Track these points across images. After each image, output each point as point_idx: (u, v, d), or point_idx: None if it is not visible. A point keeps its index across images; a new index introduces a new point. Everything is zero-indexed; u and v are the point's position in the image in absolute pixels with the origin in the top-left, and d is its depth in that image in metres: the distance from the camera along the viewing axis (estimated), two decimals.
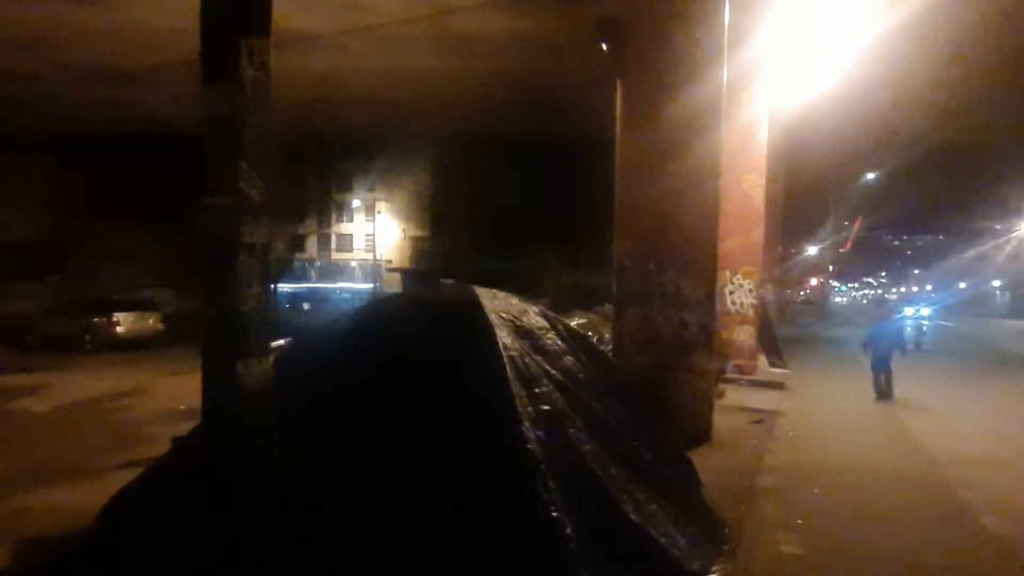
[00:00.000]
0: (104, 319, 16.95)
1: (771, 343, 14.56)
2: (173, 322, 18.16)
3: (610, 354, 7.59)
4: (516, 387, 3.36)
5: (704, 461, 6.03)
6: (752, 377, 11.86)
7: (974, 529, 4.83)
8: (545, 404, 3.51)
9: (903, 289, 71.45)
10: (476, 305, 3.76)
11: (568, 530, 2.87)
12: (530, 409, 3.35)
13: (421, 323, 3.85)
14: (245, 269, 2.27)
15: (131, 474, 4.14)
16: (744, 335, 12.25)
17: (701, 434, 6.88)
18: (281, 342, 5.22)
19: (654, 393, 6.43)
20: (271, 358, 2.49)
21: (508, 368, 3.42)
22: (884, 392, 10.50)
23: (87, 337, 16.54)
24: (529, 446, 3.05)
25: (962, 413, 9.83)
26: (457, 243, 41.38)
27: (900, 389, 11.89)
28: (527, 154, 32.76)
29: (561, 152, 30.15)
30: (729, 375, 11.13)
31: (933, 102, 16.64)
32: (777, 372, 13.00)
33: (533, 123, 21.86)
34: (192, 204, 2.38)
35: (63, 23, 12.82)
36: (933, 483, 5.99)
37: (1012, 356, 21.09)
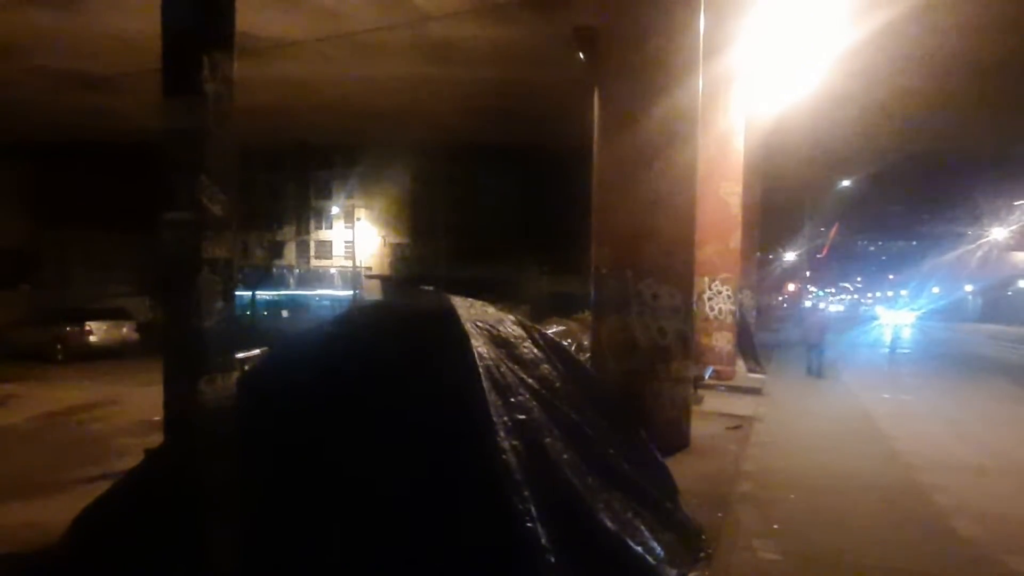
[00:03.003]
0: (76, 328, 16.64)
1: (749, 349, 14.69)
2: (147, 331, 17.87)
3: (589, 362, 7.61)
4: (492, 396, 3.34)
5: (682, 468, 6.05)
6: (730, 383, 11.95)
7: (947, 534, 4.89)
8: (521, 413, 3.50)
9: (878, 294, 72.56)
10: (451, 314, 3.74)
11: (543, 540, 2.85)
12: (506, 418, 3.33)
13: (396, 332, 3.82)
14: (207, 284, 2.24)
15: (103, 487, 4.05)
16: (722, 341, 12.34)
17: (679, 441, 6.90)
18: (257, 351, 5.15)
19: (632, 400, 6.45)
20: (234, 374, 2.45)
21: (484, 377, 3.40)
22: (815, 372, 13.66)
23: (59, 347, 16.20)
24: (504, 456, 3.03)
25: (937, 418, 9.97)
26: (437, 250, 41.32)
27: (876, 395, 12.05)
28: (507, 162, 32.86)
29: (541, 160, 30.28)
30: (708, 381, 11.20)
31: (902, 111, 16.96)
32: (755, 378, 13.11)
33: (513, 131, 21.92)
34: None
35: (34, 28, 12.62)
36: (908, 488, 6.06)
37: (986, 360, 21.49)
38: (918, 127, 19.51)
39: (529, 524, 2.85)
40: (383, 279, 39.63)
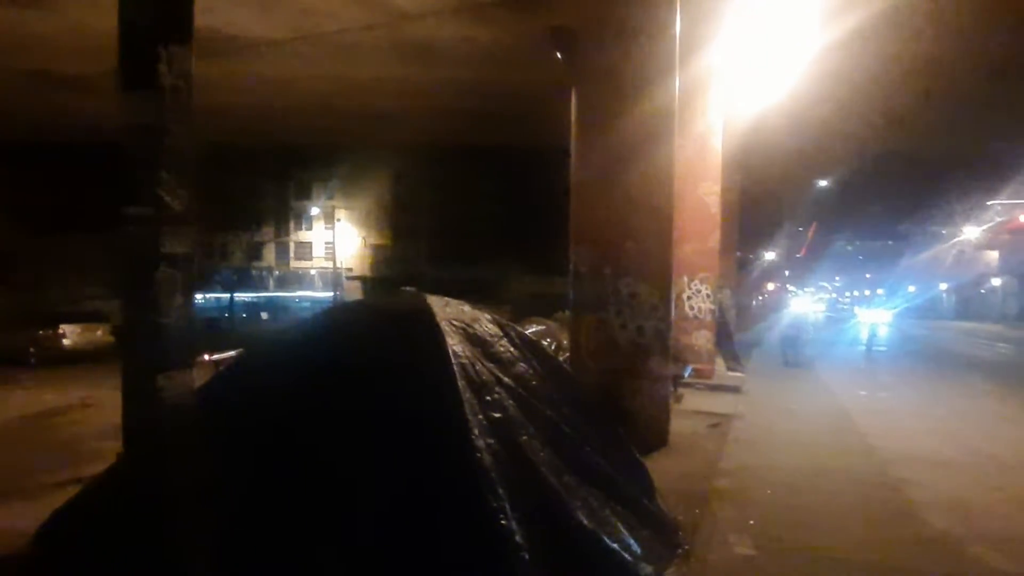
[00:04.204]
0: (50, 331, 16.38)
1: (729, 347, 14.82)
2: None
3: (568, 361, 7.63)
4: (467, 395, 3.33)
5: (660, 465, 6.09)
6: (710, 381, 12.04)
7: (920, 526, 4.96)
8: (497, 411, 3.50)
9: (856, 293, 73.48)
10: (427, 313, 3.73)
11: (518, 538, 2.84)
12: (481, 417, 3.33)
13: (371, 332, 3.81)
14: (166, 280, 2.21)
15: (74, 491, 3.99)
16: (702, 340, 12.43)
17: (658, 439, 6.94)
18: (232, 353, 5.10)
19: (612, 399, 6.47)
20: (193, 370, 2.42)
21: (459, 376, 3.40)
22: (790, 362, 15.04)
23: (32, 350, 15.95)
24: (478, 454, 3.03)
25: (912, 413, 10.12)
26: (418, 251, 41.22)
27: (854, 392, 12.22)
28: (488, 162, 32.87)
29: (521, 160, 30.33)
30: (687, 379, 11.26)
31: (876, 112, 17.21)
32: (734, 376, 13.22)
33: (493, 132, 21.90)
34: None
35: (4, 27, 12.38)
36: (882, 482, 6.14)
37: (959, 357, 21.87)
38: (893, 128, 19.80)
39: (504, 522, 2.85)
40: (364, 280, 39.45)
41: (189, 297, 2.29)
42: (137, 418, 2.21)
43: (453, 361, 3.43)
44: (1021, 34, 13.24)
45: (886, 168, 32.09)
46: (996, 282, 60.98)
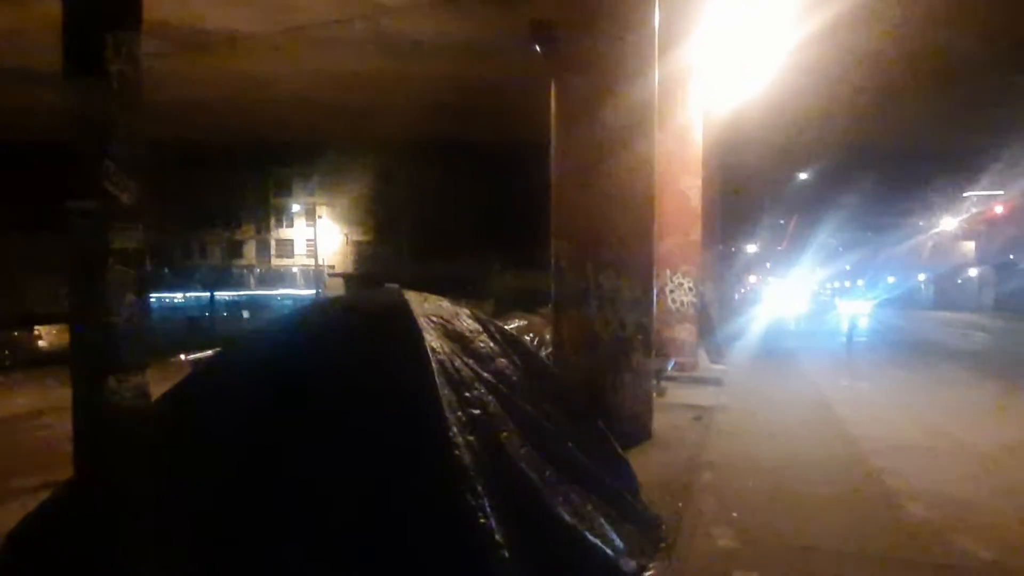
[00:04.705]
0: (25, 333, 16.08)
1: (711, 340, 14.89)
2: None
3: (551, 356, 7.60)
4: (445, 392, 3.28)
5: (644, 459, 6.09)
6: (693, 374, 12.08)
7: (899, 515, 5.00)
8: (476, 408, 3.45)
9: (836, 284, 74.23)
10: (404, 309, 3.67)
11: (498, 536, 2.80)
12: (460, 414, 3.28)
13: (347, 328, 3.74)
14: (116, 277, 2.12)
15: (44, 496, 3.89)
16: (685, 333, 12.46)
17: (642, 433, 6.94)
18: (208, 353, 5.01)
19: (594, 393, 6.46)
20: (146, 372, 2.35)
21: (437, 372, 3.35)
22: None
23: (6, 352, 15.63)
24: (456, 452, 2.98)
25: (892, 402, 10.22)
26: (401, 247, 40.98)
27: (835, 382, 12.33)
28: (470, 157, 32.73)
29: (504, 155, 30.23)
30: (670, 373, 11.28)
31: (853, 105, 17.35)
32: (717, 368, 13.28)
33: (474, 127, 21.84)
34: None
35: None
36: (862, 472, 6.18)
37: (937, 346, 22.16)
38: (870, 120, 20.00)
39: (482, 520, 2.81)
40: (346, 277, 39.17)
41: (142, 295, 2.20)
42: (88, 422, 2.13)
43: (431, 358, 3.37)
44: (994, 26, 13.39)
45: (864, 160, 32.43)
46: (973, 272, 61.97)
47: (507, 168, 31.83)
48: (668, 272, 12.02)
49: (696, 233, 12.55)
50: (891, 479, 5.87)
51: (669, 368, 11.16)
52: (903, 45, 13.57)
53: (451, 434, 3.03)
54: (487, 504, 2.87)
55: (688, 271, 12.33)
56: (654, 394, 8.19)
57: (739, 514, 4.95)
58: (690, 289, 12.36)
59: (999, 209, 55.48)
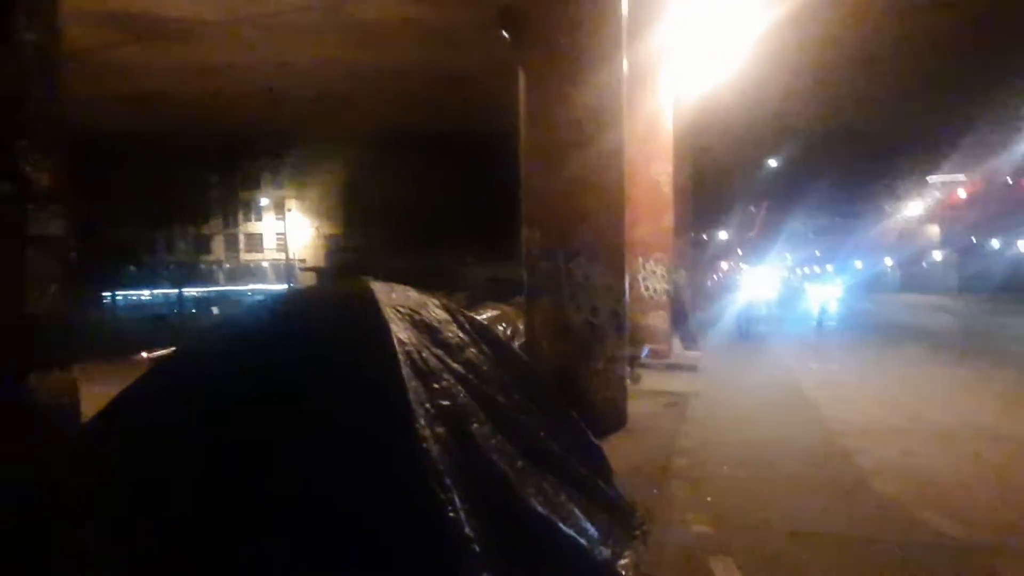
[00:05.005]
0: None
1: (685, 326, 14.98)
2: None
3: (524, 346, 7.54)
4: (413, 383, 3.19)
5: (618, 447, 6.08)
6: (667, 361, 12.14)
7: (869, 495, 5.05)
8: (445, 399, 3.36)
9: (807, 269, 75.41)
10: (370, 300, 3.57)
11: (467, 530, 2.73)
12: (428, 405, 3.19)
13: (312, 320, 3.62)
14: (36, 266, 1.98)
15: None
16: (658, 320, 12.51)
17: (616, 421, 6.92)
18: (167, 351, 4.85)
19: (568, 382, 6.42)
20: (73, 369, 2.22)
21: (404, 363, 3.25)
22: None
23: None
24: (424, 444, 2.89)
25: (861, 384, 10.38)
26: (373, 240, 40.54)
27: (805, 366, 12.49)
28: (442, 148, 32.42)
29: (476, 144, 30.00)
30: (644, 360, 11.32)
31: (821, 91, 17.54)
32: (691, 355, 13.37)
33: (445, 116, 21.63)
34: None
35: None
36: (833, 453, 6.25)
37: (904, 328, 22.62)
38: (837, 107, 20.23)
39: (452, 514, 2.73)
40: (319, 271, 38.68)
41: (66, 286, 2.06)
42: (5, 424, 2.00)
43: (398, 348, 3.27)
44: (958, 12, 13.58)
45: (832, 147, 32.86)
46: (937, 255, 63.43)
47: (481, 157, 31.58)
48: (641, 259, 12.03)
49: (668, 220, 12.58)
50: (862, 460, 5.94)
51: (643, 355, 11.20)
52: (867, 31, 13.72)
53: (419, 426, 2.94)
54: (456, 497, 2.80)
55: (661, 258, 12.35)
56: (628, 381, 8.19)
57: (713, 499, 4.95)
58: (663, 276, 12.39)
59: (962, 193, 56.80)
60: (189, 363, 3.72)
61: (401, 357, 3.24)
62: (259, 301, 4.86)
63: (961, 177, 54.53)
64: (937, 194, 59.48)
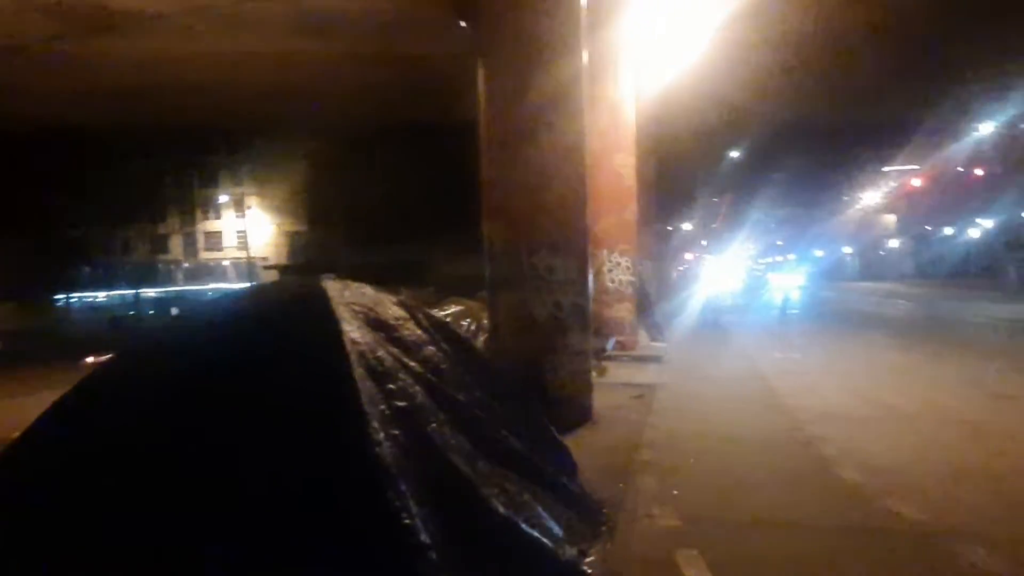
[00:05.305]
0: None
1: (650, 318, 15.04)
2: (13, 340, 16.31)
3: (488, 341, 7.44)
4: (366, 384, 3.06)
5: (584, 441, 6.03)
6: (633, 353, 12.16)
7: (833, 483, 5.07)
8: (402, 400, 3.24)
9: (769, 259, 76.74)
10: (321, 297, 3.42)
11: (423, 537, 2.62)
12: (383, 407, 3.07)
13: (260, 321, 3.47)
14: None
15: None
16: (623, 312, 12.52)
17: (582, 414, 6.86)
18: (104, 357, 4.62)
19: (533, 377, 6.34)
20: None
21: (357, 364, 3.12)
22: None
23: None
24: (377, 448, 2.77)
25: (823, 371, 10.53)
26: (337, 236, 39.93)
27: (769, 355, 12.65)
28: (407, 140, 32.05)
29: (439, 137, 29.71)
30: (611, 352, 11.32)
31: (781, 82, 17.73)
32: (657, 346, 13.43)
33: (406, 108, 21.33)
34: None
35: None
36: (799, 442, 6.28)
37: (863, 315, 23.15)
38: (796, 98, 20.50)
39: (407, 521, 2.62)
40: (282, 269, 37.97)
41: None
42: None
43: (350, 348, 3.14)
44: (912, 3, 13.81)
45: (792, 138, 33.40)
46: (894, 243, 65.18)
47: (447, 149, 31.28)
48: (605, 251, 12.02)
49: (632, 212, 12.59)
50: (824, 447, 5.98)
51: (609, 347, 11.20)
52: (824, 24, 13.88)
53: (371, 430, 2.82)
54: (412, 503, 2.69)
55: (625, 250, 12.36)
56: (594, 374, 8.15)
57: (680, 492, 4.92)
58: (627, 268, 12.40)
59: (916, 183, 58.35)
60: (128, 369, 3.54)
61: (354, 357, 3.11)
62: (205, 302, 4.65)
63: (915, 167, 56.01)
64: (893, 184, 61.05)
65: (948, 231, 53.57)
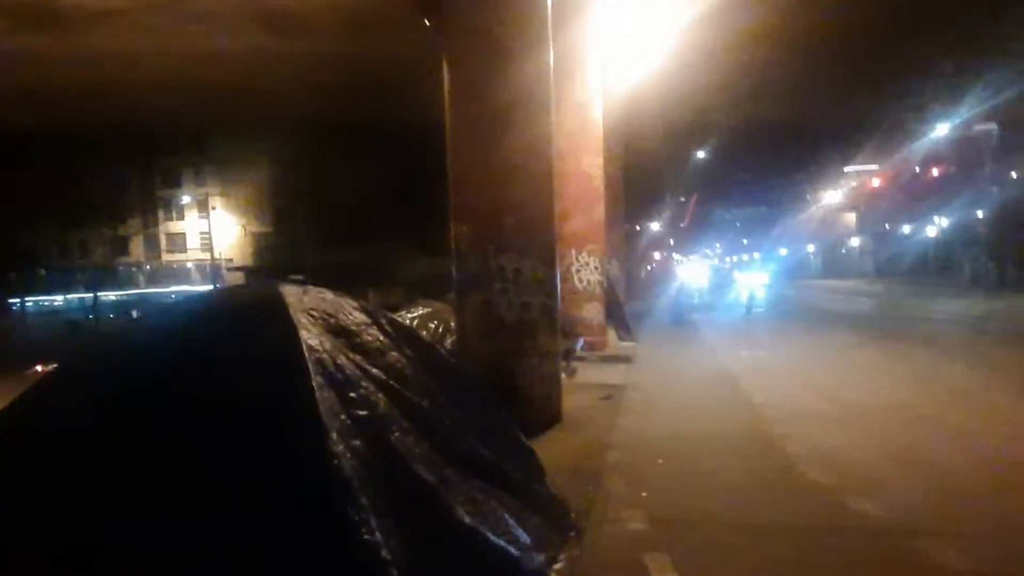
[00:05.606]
0: None
1: (619, 318, 15.08)
2: None
3: (455, 343, 7.35)
4: (325, 393, 2.95)
5: (553, 443, 5.98)
6: (602, 353, 12.18)
7: (799, 482, 5.10)
8: (363, 409, 3.14)
9: (735, 258, 77.93)
10: (278, 304, 3.30)
11: (383, 553, 2.53)
12: (343, 417, 2.97)
13: (215, 328, 3.34)
14: None
15: None
16: (593, 312, 12.53)
17: (551, 416, 6.81)
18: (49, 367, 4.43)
19: (501, 379, 6.27)
20: None
21: (315, 372, 3.01)
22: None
23: None
24: (336, 461, 2.67)
25: (787, 369, 10.66)
26: (303, 237, 39.33)
27: (735, 353, 12.77)
28: (372, 140, 31.73)
29: (407, 136, 29.48)
30: (580, 353, 11.30)
31: (746, 83, 17.96)
32: (626, 346, 13.47)
33: (373, 107, 21.09)
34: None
35: None
36: (764, 440, 6.32)
37: (826, 313, 23.61)
38: (761, 99, 20.80)
39: (367, 537, 2.52)
40: (247, 270, 37.28)
41: None
42: None
43: (308, 356, 3.03)
44: (873, 6, 14.09)
45: (756, 138, 33.91)
46: (854, 242, 66.69)
47: (413, 148, 31.05)
48: (574, 252, 12.02)
49: (600, 212, 12.60)
50: (790, 445, 6.02)
51: (578, 348, 11.17)
52: (787, 23, 14.08)
53: (330, 441, 2.72)
54: (373, 517, 2.59)
55: (594, 250, 12.37)
56: (564, 375, 8.11)
57: (648, 494, 4.90)
58: (596, 268, 12.42)
59: (875, 182, 59.80)
60: (74, 378, 3.38)
61: (312, 365, 3.00)
62: (159, 307, 4.49)
63: (875, 167, 57.40)
64: (853, 183, 62.47)
65: (906, 229, 54.97)
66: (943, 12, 15.12)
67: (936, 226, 49.40)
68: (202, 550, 2.63)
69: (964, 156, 43.41)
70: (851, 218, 67.84)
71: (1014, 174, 39.11)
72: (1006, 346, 13.15)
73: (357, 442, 2.96)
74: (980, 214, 41.14)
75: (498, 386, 6.04)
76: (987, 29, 16.86)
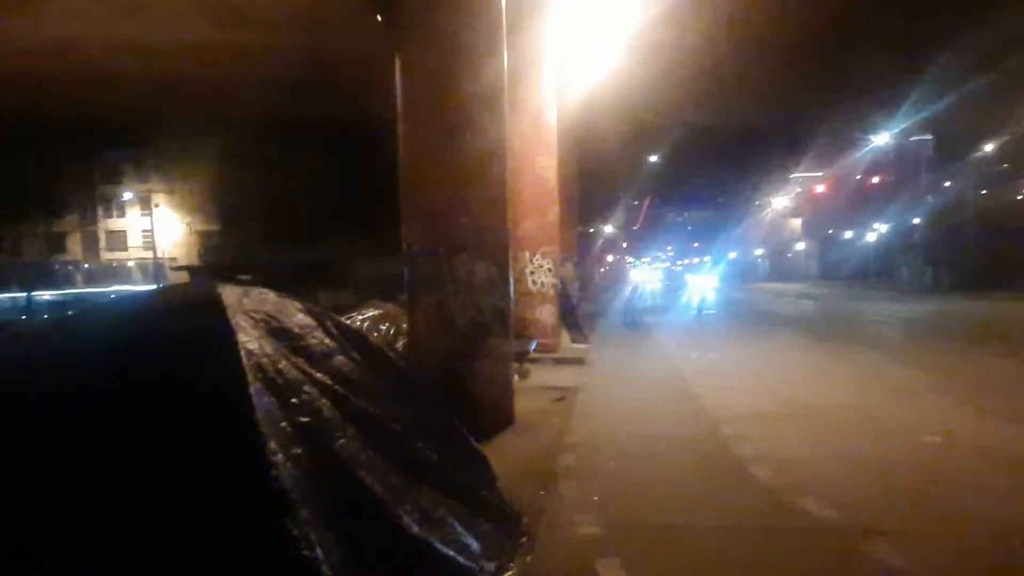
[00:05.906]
0: None
1: (573, 320, 15.14)
2: None
3: (407, 345, 7.21)
4: (264, 399, 2.80)
5: (506, 447, 5.90)
6: (556, 355, 12.17)
7: (749, 484, 5.13)
8: (306, 415, 3.00)
9: (686, 261, 79.42)
10: (215, 304, 3.13)
11: (324, 569, 2.40)
12: (283, 424, 2.82)
13: (146, 330, 3.14)
14: None
15: None
16: (546, 314, 12.52)
17: (504, 419, 6.74)
18: None
19: (453, 382, 6.17)
20: None
21: (254, 377, 2.85)
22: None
23: None
24: (274, 472, 2.53)
25: (737, 371, 10.83)
26: (252, 236, 38.34)
27: (687, 355, 12.93)
28: (324, 138, 31.14)
29: (359, 134, 29.04)
30: (533, 354, 11.26)
31: (696, 88, 18.26)
32: (579, 348, 13.51)
33: (325, 105, 20.70)
34: None
35: None
36: (714, 442, 6.36)
37: (774, 315, 24.18)
38: (709, 105, 21.19)
39: (307, 552, 2.39)
40: (192, 270, 36.13)
41: None
42: None
43: (246, 360, 2.87)
44: (822, 11, 14.47)
45: (708, 143, 34.58)
46: (800, 246, 68.76)
47: (366, 147, 30.58)
48: (528, 254, 11.98)
49: (554, 214, 12.60)
50: (740, 447, 6.07)
51: (531, 350, 11.13)
52: (740, 31, 14.36)
53: (268, 451, 2.57)
54: (313, 531, 2.46)
55: (548, 252, 12.35)
56: (516, 377, 8.05)
57: (600, 498, 4.85)
58: (550, 270, 12.41)
59: (820, 188, 61.79)
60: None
61: (249, 370, 2.84)
62: (91, 307, 4.23)
63: (819, 174, 59.30)
64: (799, 189, 64.41)
65: (849, 235, 56.96)
66: (887, 25, 15.66)
67: (876, 232, 51.34)
68: (128, 569, 2.45)
69: (903, 165, 45.22)
70: (796, 223, 69.95)
71: (947, 183, 40.93)
72: (943, 348, 13.67)
73: (298, 450, 2.82)
74: (916, 221, 42.92)
75: (450, 388, 5.94)
76: (927, 44, 17.54)
